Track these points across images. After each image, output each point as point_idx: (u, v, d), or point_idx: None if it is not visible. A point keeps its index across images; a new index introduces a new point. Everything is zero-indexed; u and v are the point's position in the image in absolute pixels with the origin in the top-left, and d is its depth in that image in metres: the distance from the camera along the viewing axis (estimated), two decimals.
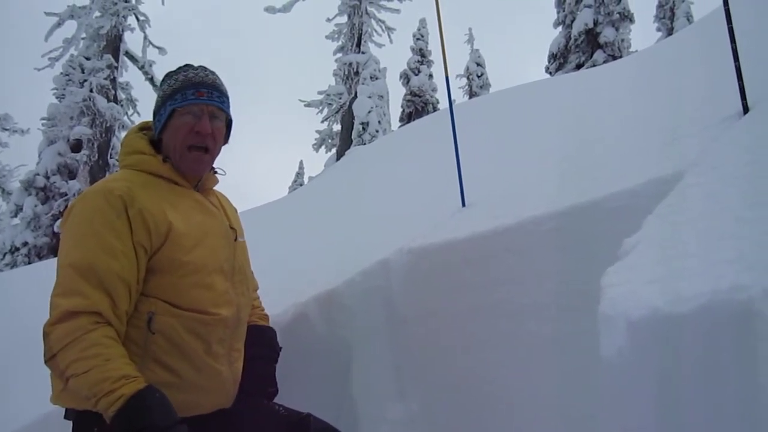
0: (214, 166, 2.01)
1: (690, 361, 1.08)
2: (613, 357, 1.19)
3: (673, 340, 1.10)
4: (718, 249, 1.27)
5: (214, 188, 2.06)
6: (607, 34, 19.41)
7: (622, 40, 19.62)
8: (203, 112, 1.87)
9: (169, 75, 1.94)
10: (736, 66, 2.37)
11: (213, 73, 1.97)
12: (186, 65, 1.96)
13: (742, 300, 1.04)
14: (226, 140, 2.00)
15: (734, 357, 1.03)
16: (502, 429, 2.27)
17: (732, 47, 2.36)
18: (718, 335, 1.05)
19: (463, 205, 3.03)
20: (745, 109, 2.37)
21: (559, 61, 20.67)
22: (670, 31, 21.02)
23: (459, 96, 27.02)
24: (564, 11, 20.78)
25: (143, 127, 1.99)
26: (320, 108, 20.42)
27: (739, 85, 2.37)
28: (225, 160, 2.09)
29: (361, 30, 19.99)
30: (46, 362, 1.62)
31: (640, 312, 1.16)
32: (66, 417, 1.75)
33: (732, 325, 1.04)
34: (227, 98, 1.96)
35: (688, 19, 20.55)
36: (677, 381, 1.09)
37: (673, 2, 22.35)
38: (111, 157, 18.30)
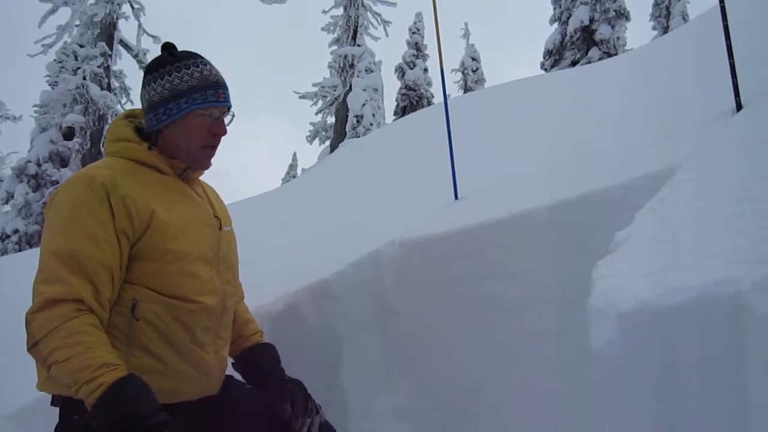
0: None
1: (680, 354, 1.09)
2: (603, 349, 1.19)
3: (663, 332, 1.10)
4: (709, 243, 1.28)
5: (201, 179, 2.04)
6: (602, 31, 19.44)
7: (618, 38, 19.66)
8: (221, 113, 1.88)
9: (175, 66, 1.84)
10: (730, 63, 2.38)
11: None
12: (189, 55, 1.88)
13: (732, 293, 1.04)
14: None
15: (724, 349, 1.03)
16: (492, 422, 2.28)
17: (727, 44, 2.37)
18: (707, 328, 1.06)
19: (456, 198, 3.04)
20: (739, 106, 2.39)
21: (554, 57, 20.70)
22: (665, 30, 21.09)
23: (454, 90, 26.98)
24: (560, 8, 20.79)
25: (129, 115, 1.97)
26: (314, 100, 20.39)
27: (733, 82, 2.38)
28: (218, 150, 2.06)
29: (357, 22, 19.96)
30: (28, 350, 1.60)
31: (630, 304, 1.16)
32: (53, 403, 1.74)
33: (721, 317, 1.04)
34: None
35: (684, 18, 20.61)
36: (667, 373, 1.10)
37: (669, 1, 22.41)
38: (104, 146, 18.20)
